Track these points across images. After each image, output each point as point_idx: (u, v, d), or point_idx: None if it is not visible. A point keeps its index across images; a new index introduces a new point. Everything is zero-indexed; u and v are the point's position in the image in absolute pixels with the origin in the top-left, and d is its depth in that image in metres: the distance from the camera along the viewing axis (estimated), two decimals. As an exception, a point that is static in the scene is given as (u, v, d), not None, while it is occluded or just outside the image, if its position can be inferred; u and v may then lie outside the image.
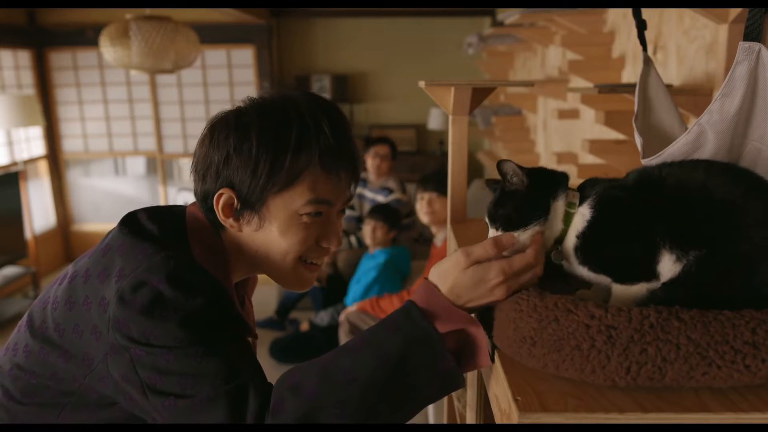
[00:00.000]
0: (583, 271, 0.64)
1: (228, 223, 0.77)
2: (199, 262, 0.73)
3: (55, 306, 0.74)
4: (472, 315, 0.65)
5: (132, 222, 0.75)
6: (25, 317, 0.79)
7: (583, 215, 0.63)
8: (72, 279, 0.74)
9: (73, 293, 0.72)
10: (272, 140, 0.72)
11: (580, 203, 0.64)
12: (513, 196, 0.66)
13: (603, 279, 0.63)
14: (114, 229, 0.76)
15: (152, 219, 0.76)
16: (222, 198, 0.75)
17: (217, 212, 0.76)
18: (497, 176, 0.69)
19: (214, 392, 0.64)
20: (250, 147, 0.72)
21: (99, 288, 0.70)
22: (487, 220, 0.68)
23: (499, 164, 0.67)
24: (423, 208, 2.44)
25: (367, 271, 2.91)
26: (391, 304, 2.55)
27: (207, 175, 0.76)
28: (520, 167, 0.66)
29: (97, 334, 0.69)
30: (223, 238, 0.79)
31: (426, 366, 0.62)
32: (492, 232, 0.68)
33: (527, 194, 0.65)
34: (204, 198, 0.77)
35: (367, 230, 3.01)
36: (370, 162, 3.53)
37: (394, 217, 3.02)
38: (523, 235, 0.64)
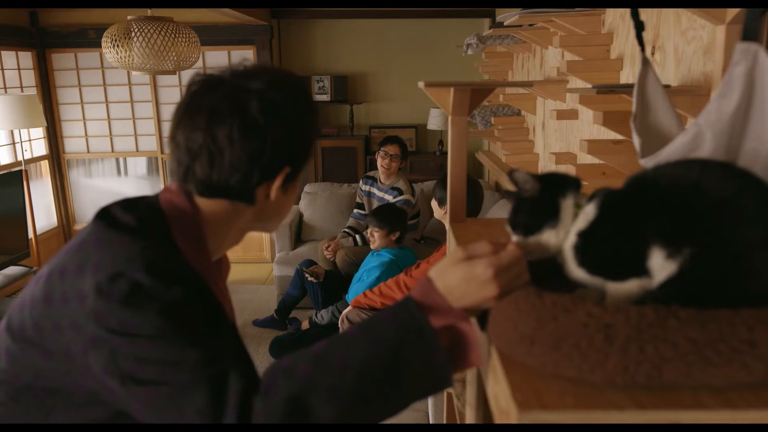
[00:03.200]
0: (581, 274, 0.64)
1: (274, 197, 0.81)
2: (180, 250, 0.74)
3: (32, 306, 0.73)
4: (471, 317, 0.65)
5: (107, 215, 0.76)
6: (3, 321, 0.78)
7: (586, 215, 0.64)
8: (48, 277, 0.74)
9: (50, 291, 0.72)
10: (311, 119, 0.80)
11: (587, 204, 0.65)
12: (527, 203, 0.67)
13: (599, 282, 0.64)
14: (89, 224, 0.76)
15: (127, 210, 0.76)
16: (282, 176, 0.79)
17: (267, 191, 0.80)
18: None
19: (194, 378, 0.64)
20: (299, 127, 0.78)
21: (76, 282, 0.70)
22: (509, 229, 0.70)
23: (511, 174, 0.68)
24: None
25: (370, 270, 2.90)
26: (380, 294, 2.56)
27: (257, 167, 0.76)
28: (531, 174, 0.67)
29: (77, 328, 0.69)
30: (209, 216, 0.80)
31: (418, 358, 0.63)
32: (515, 239, 0.68)
33: (539, 199, 0.67)
34: (249, 186, 0.78)
35: (368, 234, 3.03)
36: (380, 161, 3.53)
37: (394, 219, 2.99)
38: (541, 238, 0.66)
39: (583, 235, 0.63)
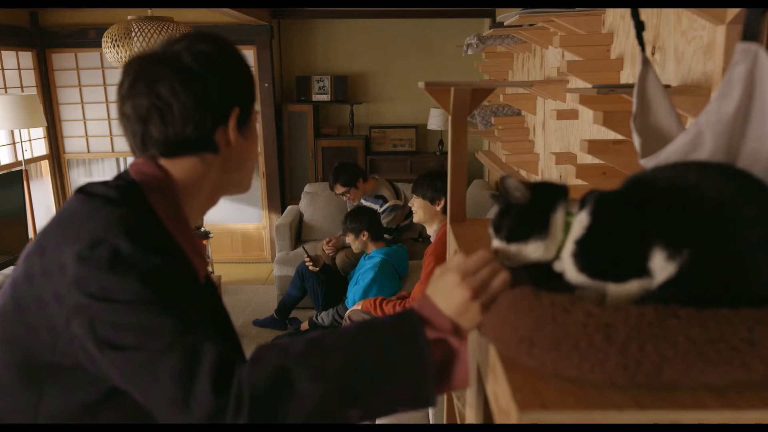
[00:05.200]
0: (582, 279, 0.64)
1: (234, 140, 0.82)
2: (159, 217, 0.77)
3: (14, 287, 0.75)
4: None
5: (85, 191, 0.78)
6: None
7: (580, 222, 0.64)
8: (27, 258, 0.76)
9: (30, 269, 0.74)
10: (244, 64, 0.83)
11: (579, 212, 0.65)
12: (516, 209, 0.67)
13: (600, 285, 0.64)
14: (66, 201, 0.78)
15: (105, 185, 0.78)
16: (234, 117, 0.81)
17: (226, 135, 0.81)
18: (497, 174, 0.71)
19: (170, 343, 0.66)
20: (233, 67, 0.81)
21: (56, 255, 0.71)
22: (491, 231, 0.69)
23: (503, 180, 0.68)
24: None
25: (364, 272, 2.92)
26: (394, 309, 2.57)
27: (207, 111, 0.78)
28: (523, 182, 0.67)
29: (59, 299, 0.70)
30: (180, 177, 0.81)
31: (407, 363, 0.64)
32: (495, 243, 0.68)
33: (529, 208, 0.66)
34: (206, 133, 0.79)
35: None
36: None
37: (354, 221, 3.00)
38: (525, 248, 0.65)
39: (581, 243, 0.63)
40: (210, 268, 4.17)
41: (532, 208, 0.66)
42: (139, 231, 0.71)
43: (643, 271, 0.60)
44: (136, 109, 0.78)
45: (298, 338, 0.68)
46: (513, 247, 0.66)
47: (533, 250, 0.65)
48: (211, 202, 0.88)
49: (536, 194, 0.67)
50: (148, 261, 0.69)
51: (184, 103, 0.77)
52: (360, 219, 2.99)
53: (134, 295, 0.67)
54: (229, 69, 0.81)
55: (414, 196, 2.50)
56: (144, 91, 0.77)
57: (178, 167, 0.81)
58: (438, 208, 2.45)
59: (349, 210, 3.65)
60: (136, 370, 0.67)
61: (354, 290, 2.93)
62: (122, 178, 0.80)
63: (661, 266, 0.59)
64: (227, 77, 0.80)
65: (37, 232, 4.11)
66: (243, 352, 0.70)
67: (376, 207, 3.50)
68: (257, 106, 0.87)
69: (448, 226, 1.26)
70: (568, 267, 0.64)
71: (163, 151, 0.80)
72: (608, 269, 0.62)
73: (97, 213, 0.73)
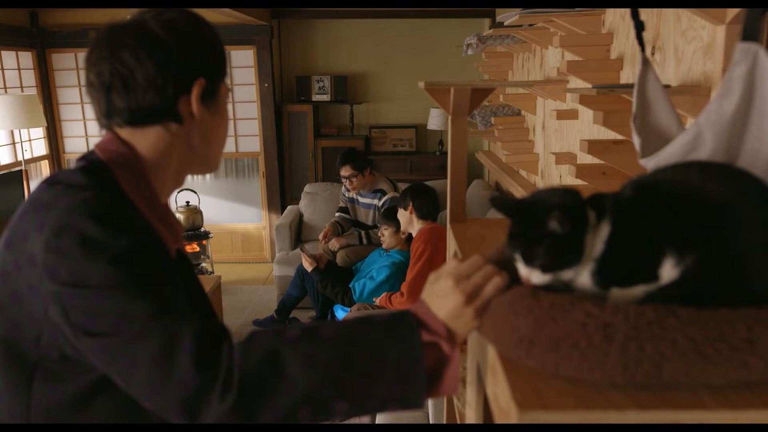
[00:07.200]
0: (594, 290, 0.62)
1: (197, 111, 0.79)
2: (127, 195, 0.75)
3: None
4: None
5: (48, 180, 0.77)
6: None
7: (600, 238, 0.61)
8: None
9: (2, 265, 0.72)
10: (215, 38, 0.83)
11: (597, 225, 0.61)
12: (551, 239, 0.61)
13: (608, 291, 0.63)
14: (31, 192, 0.77)
15: (69, 170, 0.77)
16: (197, 88, 0.78)
17: (190, 107, 0.79)
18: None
19: (146, 327, 0.65)
20: (201, 36, 0.81)
21: (24, 248, 0.70)
22: (518, 257, 0.64)
23: (550, 212, 0.60)
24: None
25: (380, 268, 2.90)
26: (402, 305, 2.58)
27: (169, 77, 0.76)
28: (566, 213, 0.60)
29: (34, 290, 0.69)
30: (145, 150, 0.79)
31: (400, 362, 0.64)
32: (526, 272, 0.64)
33: (566, 237, 0.60)
34: (168, 101, 0.77)
35: (379, 234, 3.07)
36: (345, 184, 3.52)
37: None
38: (560, 275, 0.62)
39: (602, 260, 0.60)
40: (210, 268, 4.17)
41: (569, 236, 0.61)
42: (104, 213, 0.69)
43: (653, 277, 0.60)
44: (100, 76, 0.77)
45: (296, 325, 0.68)
46: (548, 276, 0.63)
47: (566, 275, 0.62)
48: (179, 179, 0.86)
49: (574, 224, 0.61)
50: (117, 243, 0.67)
51: (146, 68, 0.75)
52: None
53: (105, 279, 0.66)
54: (195, 38, 0.79)
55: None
56: (106, 56, 0.76)
57: (143, 139, 0.79)
58: (409, 212, 2.73)
59: (358, 215, 3.64)
60: (114, 356, 0.66)
61: (365, 283, 2.91)
62: (86, 158, 0.79)
63: (668, 271, 0.59)
64: (193, 45, 0.78)
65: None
66: (226, 329, 0.68)
67: (375, 201, 3.46)
68: (228, 83, 0.87)
69: (448, 226, 1.26)
70: (582, 281, 0.62)
71: (128, 119, 0.78)
72: (621, 279, 0.61)
73: (60, 200, 0.71)
